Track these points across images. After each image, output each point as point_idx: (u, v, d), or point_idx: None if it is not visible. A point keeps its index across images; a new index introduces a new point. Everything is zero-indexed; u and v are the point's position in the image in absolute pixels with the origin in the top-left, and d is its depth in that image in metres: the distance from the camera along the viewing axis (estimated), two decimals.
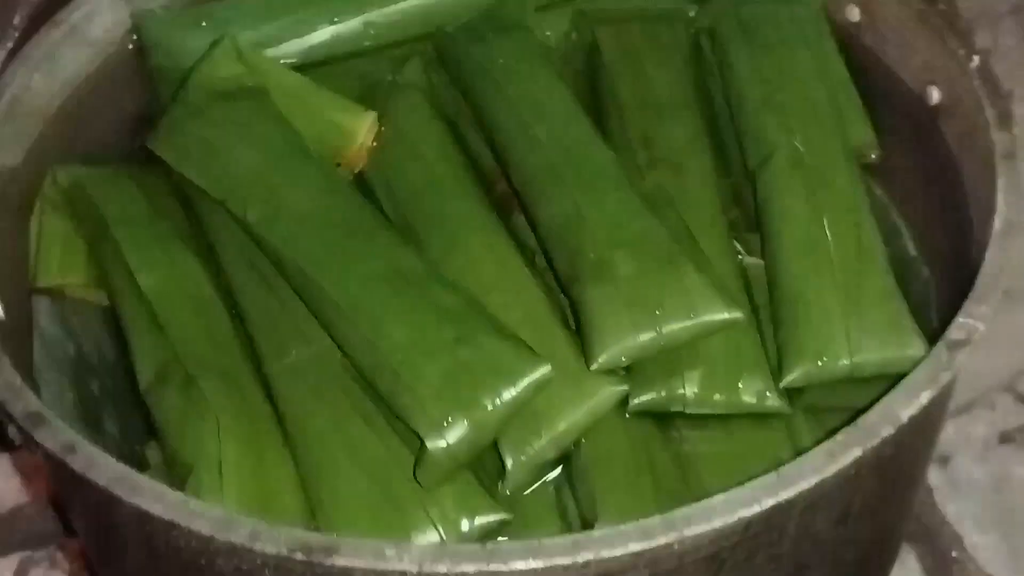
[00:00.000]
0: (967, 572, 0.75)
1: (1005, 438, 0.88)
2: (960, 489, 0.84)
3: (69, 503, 0.64)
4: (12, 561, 0.80)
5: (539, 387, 0.56)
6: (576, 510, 0.58)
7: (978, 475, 0.86)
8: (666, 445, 0.59)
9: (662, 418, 0.59)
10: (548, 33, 0.71)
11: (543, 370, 0.55)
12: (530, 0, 0.70)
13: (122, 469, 0.52)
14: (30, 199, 0.65)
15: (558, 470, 0.59)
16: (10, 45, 0.51)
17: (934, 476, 0.87)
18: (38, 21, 0.65)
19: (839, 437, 0.51)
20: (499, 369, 0.55)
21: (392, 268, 0.58)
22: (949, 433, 0.89)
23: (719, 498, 0.50)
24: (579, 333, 0.59)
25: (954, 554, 0.76)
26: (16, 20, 0.51)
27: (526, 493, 0.58)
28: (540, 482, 0.59)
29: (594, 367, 0.57)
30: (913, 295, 0.62)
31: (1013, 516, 0.82)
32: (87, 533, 0.63)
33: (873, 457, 0.53)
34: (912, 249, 0.66)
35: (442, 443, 0.54)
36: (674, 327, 0.57)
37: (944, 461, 0.87)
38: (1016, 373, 0.89)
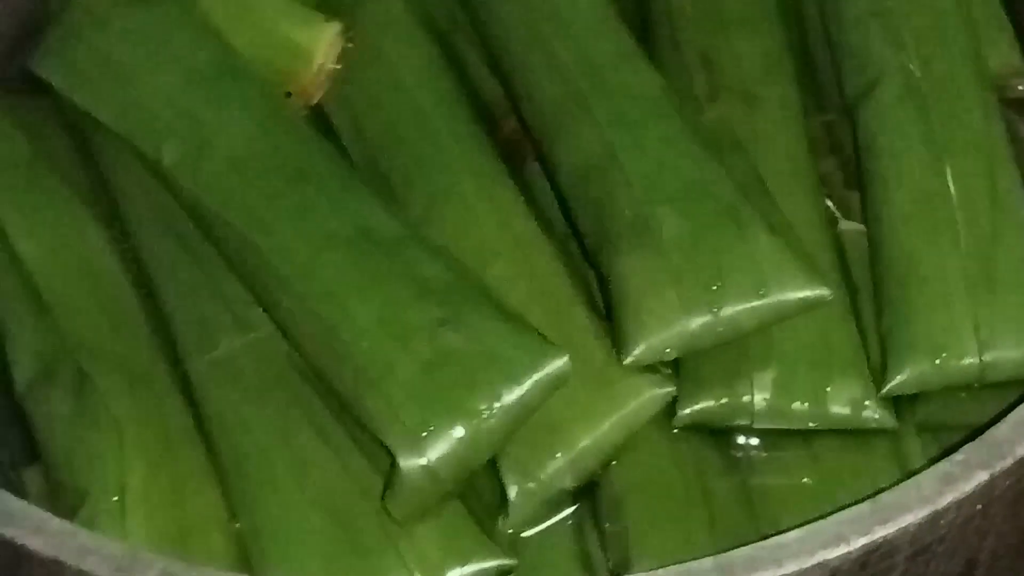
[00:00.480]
0: None
1: None
2: None
3: None
4: None
5: (553, 386, 0.58)
6: (602, 557, 0.61)
7: None
8: (727, 471, 0.61)
9: (722, 435, 0.62)
10: None
11: (558, 363, 0.58)
12: None
13: None
14: None
15: (578, 504, 0.62)
16: None
17: None
18: None
19: (958, 456, 0.54)
20: (497, 361, 0.57)
21: (356, 227, 0.60)
22: None
23: (793, 535, 0.52)
24: (609, 316, 0.61)
25: None
26: None
27: (535, 532, 0.61)
28: (555, 519, 0.61)
29: (629, 361, 0.60)
30: None
31: None
32: None
33: (1005, 485, 0.55)
34: None
35: (420, 461, 0.56)
36: (737, 308, 0.60)
37: None
38: None
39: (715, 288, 0.60)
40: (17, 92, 0.70)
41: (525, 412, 0.58)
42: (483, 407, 0.57)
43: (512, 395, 0.58)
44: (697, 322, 0.60)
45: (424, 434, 0.57)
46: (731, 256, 0.61)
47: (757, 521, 0.60)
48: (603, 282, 0.62)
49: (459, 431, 0.57)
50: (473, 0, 0.70)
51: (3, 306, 0.65)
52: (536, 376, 0.58)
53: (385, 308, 0.59)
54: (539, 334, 0.59)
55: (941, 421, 0.63)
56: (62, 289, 0.64)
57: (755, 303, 0.60)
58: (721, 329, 0.60)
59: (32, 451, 0.63)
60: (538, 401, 0.58)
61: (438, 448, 0.57)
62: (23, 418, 0.63)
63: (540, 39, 0.67)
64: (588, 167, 0.63)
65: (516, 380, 0.58)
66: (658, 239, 0.61)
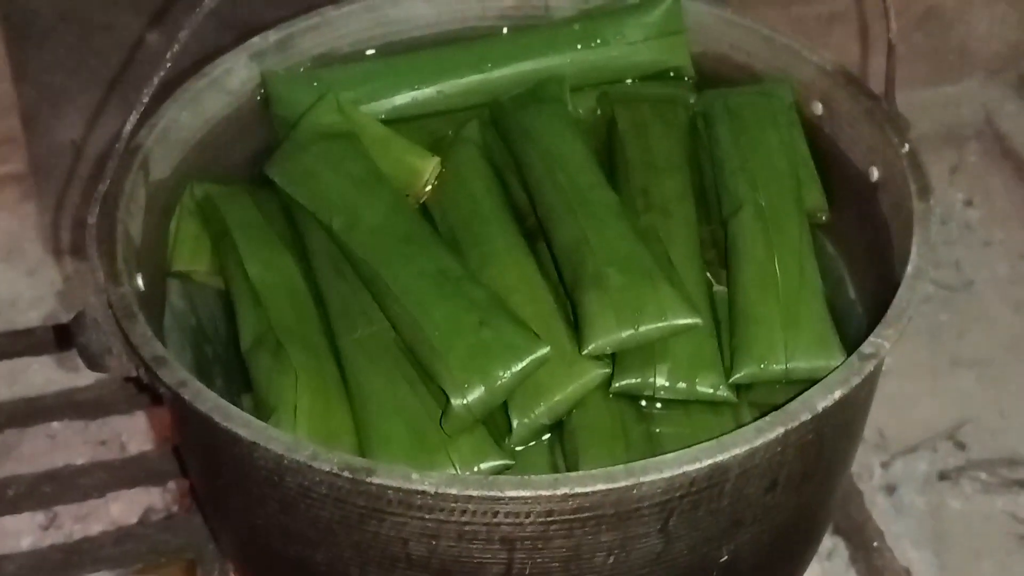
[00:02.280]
0: (886, 560, 0.77)
1: (943, 476, 0.90)
2: (903, 513, 0.86)
3: (181, 434, 0.69)
4: (136, 493, 0.85)
5: (540, 363, 0.59)
6: (563, 464, 0.61)
7: (918, 504, 0.88)
8: (640, 420, 0.61)
9: (638, 399, 0.62)
10: (580, 109, 0.74)
11: (543, 350, 0.59)
12: (566, 82, 0.73)
13: (220, 401, 0.56)
14: (172, 205, 0.69)
15: (552, 433, 0.62)
16: (141, 109, 0.56)
17: (881, 501, 0.90)
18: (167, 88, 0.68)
19: (767, 418, 0.55)
20: (510, 347, 0.58)
21: (437, 268, 0.61)
22: (897, 468, 0.91)
23: (670, 456, 0.53)
24: (576, 327, 0.62)
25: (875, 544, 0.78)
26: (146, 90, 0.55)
27: (527, 447, 0.61)
28: (538, 441, 0.61)
29: (585, 353, 0.60)
30: (850, 328, 0.65)
31: (944, 539, 0.85)
32: (194, 460, 0.68)
33: (796, 438, 0.56)
34: (852, 293, 0.69)
35: (463, 400, 0.58)
36: (649, 327, 0.60)
37: (891, 490, 0.89)
38: (956, 425, 0.92)
39: (637, 315, 0.61)
40: (258, 184, 0.71)
41: (523, 378, 0.59)
42: (500, 373, 0.59)
43: (516, 367, 0.59)
44: (625, 333, 0.60)
45: (466, 386, 0.58)
46: (647, 297, 0.61)
47: (654, 451, 0.60)
48: (574, 308, 0.63)
49: (486, 385, 0.58)
50: (514, 149, 0.70)
51: (238, 302, 0.65)
52: (531, 357, 0.59)
53: (449, 314, 0.60)
54: (534, 333, 0.60)
55: (763, 401, 0.62)
56: (270, 295, 0.64)
57: (659, 324, 0.61)
58: (639, 338, 0.61)
59: (248, 385, 0.63)
60: (531, 372, 0.59)
61: (473, 394, 0.58)
62: (245, 371, 0.64)
63: (550, 172, 0.67)
64: (571, 244, 0.64)
65: (519, 358, 0.59)
66: (607, 285, 0.61)
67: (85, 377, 0.83)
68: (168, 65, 0.54)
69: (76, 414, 0.86)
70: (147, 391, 0.79)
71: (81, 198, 0.99)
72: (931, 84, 1.13)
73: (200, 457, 0.65)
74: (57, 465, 0.83)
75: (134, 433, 0.91)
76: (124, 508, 0.85)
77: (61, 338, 0.87)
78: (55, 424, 0.90)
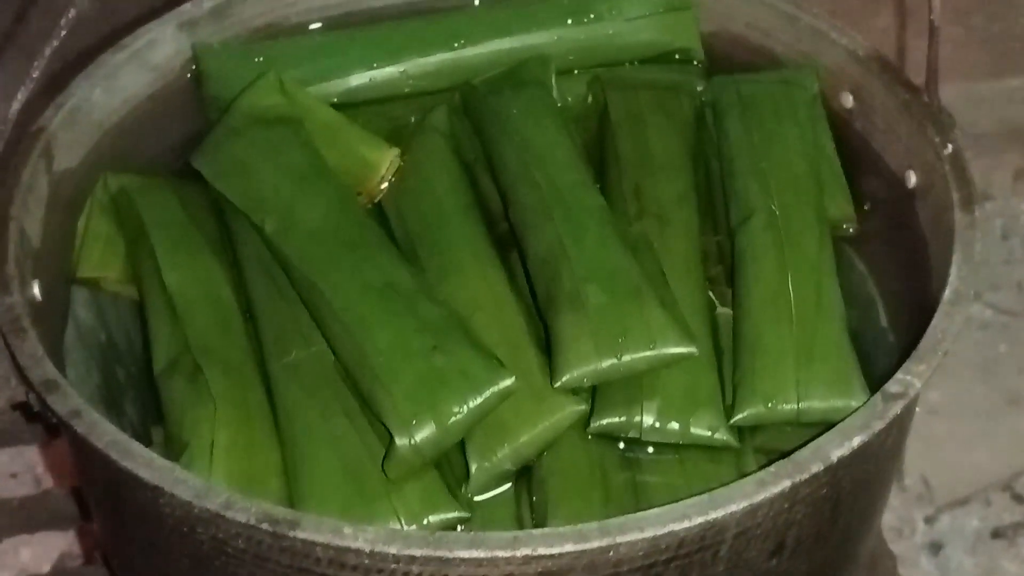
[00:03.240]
0: None
1: (997, 534, 0.88)
2: None
3: (80, 472, 0.68)
4: (38, 537, 0.84)
5: (503, 397, 0.58)
6: (529, 517, 0.60)
7: (968, 566, 0.87)
8: (623, 467, 0.60)
9: (620, 442, 0.61)
10: (567, 96, 0.73)
11: (508, 381, 0.57)
12: (551, 63, 0.72)
13: (119, 435, 0.55)
14: (81, 199, 0.68)
15: (517, 480, 0.61)
16: (32, 83, 0.54)
17: (925, 562, 0.88)
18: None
19: (771, 468, 0.53)
20: (467, 376, 0.57)
21: (385, 281, 0.60)
22: (944, 523, 0.90)
23: (653, 512, 0.52)
24: (549, 354, 0.61)
25: None
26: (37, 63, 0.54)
27: (487, 497, 0.60)
28: (501, 488, 0.60)
29: (557, 385, 0.59)
30: (882, 362, 0.64)
31: None
32: (95, 502, 0.67)
33: (807, 493, 0.55)
34: (884, 319, 0.68)
35: (409, 440, 0.56)
36: (634, 355, 0.59)
37: (936, 549, 0.88)
38: (1014, 474, 0.90)
39: (620, 341, 0.59)
40: (183, 177, 0.70)
41: (483, 413, 0.58)
42: (455, 408, 0.57)
43: (474, 401, 0.57)
44: (606, 363, 0.59)
45: (413, 422, 0.57)
46: (632, 321, 0.60)
47: (639, 505, 0.59)
48: (547, 330, 0.62)
49: (437, 422, 0.57)
50: (487, 140, 0.70)
51: (152, 316, 0.64)
52: (491, 389, 0.58)
53: (397, 336, 0.59)
54: (498, 360, 0.59)
55: (772, 446, 0.61)
56: (190, 308, 0.63)
57: (647, 353, 0.60)
58: (623, 369, 0.60)
59: (159, 414, 0.62)
60: (492, 407, 0.58)
61: (421, 432, 0.57)
62: (156, 392, 0.63)
63: (525, 168, 0.66)
64: (545, 254, 0.63)
65: (478, 391, 0.58)
66: (585, 305, 0.60)
67: None
68: (63, 31, 0.52)
69: None
70: (39, 420, 0.78)
71: None
72: (993, 75, 1.12)
73: (101, 501, 0.64)
74: None
75: (47, 462, 0.90)
76: (35, 554, 0.84)
77: None
78: None
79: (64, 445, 0.85)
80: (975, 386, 0.97)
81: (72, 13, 0.50)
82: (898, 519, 0.87)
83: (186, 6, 0.73)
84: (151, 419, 0.64)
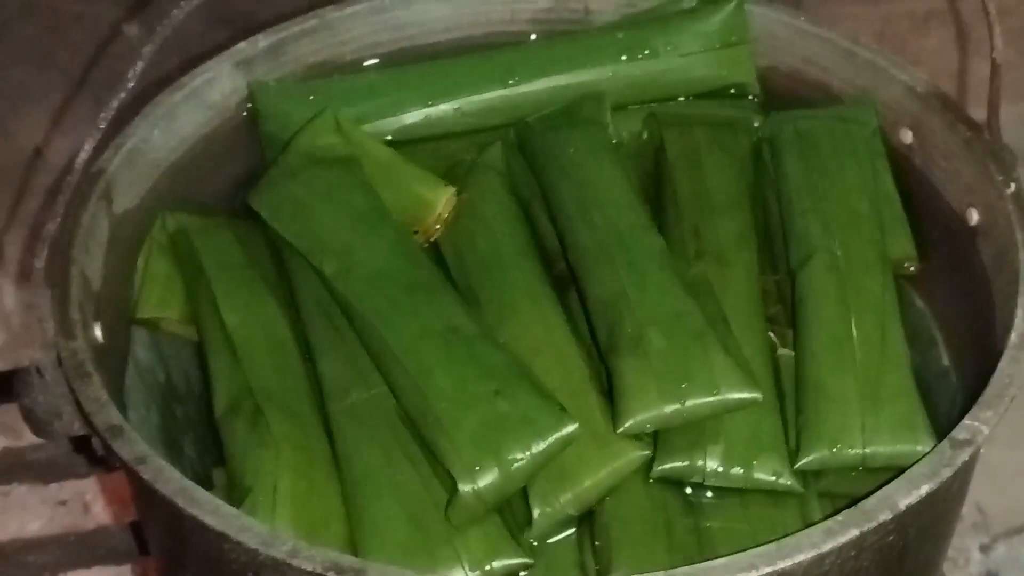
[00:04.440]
0: None
1: None
2: None
3: (142, 514, 0.68)
4: (93, 573, 0.84)
5: (566, 443, 0.57)
6: (592, 564, 0.59)
7: None
8: (686, 512, 0.60)
9: (684, 486, 0.60)
10: (623, 132, 0.73)
11: (571, 427, 0.57)
12: (606, 100, 0.72)
13: (185, 482, 0.55)
14: (140, 239, 0.69)
15: (580, 525, 0.60)
16: (102, 129, 0.55)
17: None
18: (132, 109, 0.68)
19: (839, 517, 0.53)
20: (531, 423, 0.57)
21: (446, 325, 0.60)
22: (1000, 552, 0.89)
23: (720, 561, 0.52)
24: (611, 399, 0.60)
25: None
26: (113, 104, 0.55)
27: (550, 542, 0.60)
28: (563, 535, 0.60)
29: (620, 431, 0.59)
30: (943, 403, 0.64)
31: None
32: (157, 544, 0.67)
33: (874, 541, 0.54)
34: (945, 359, 0.67)
35: (472, 486, 0.56)
36: (697, 401, 0.59)
37: None
38: None
39: (683, 386, 0.59)
40: (240, 216, 0.70)
41: (546, 459, 0.58)
42: (518, 454, 0.57)
43: (537, 447, 0.57)
44: (669, 408, 0.59)
45: (477, 468, 0.57)
46: (696, 366, 0.60)
47: (703, 550, 0.58)
48: (609, 375, 0.61)
49: (500, 468, 0.57)
50: (544, 179, 0.70)
51: (212, 358, 0.65)
52: (555, 435, 0.58)
53: (459, 381, 0.59)
54: (560, 406, 0.58)
55: (836, 490, 0.61)
56: (250, 350, 0.64)
57: (710, 399, 0.59)
58: (686, 415, 0.59)
59: (221, 457, 0.62)
60: (555, 453, 0.58)
61: (485, 479, 0.57)
62: (218, 435, 0.63)
63: (584, 209, 0.66)
64: (607, 298, 0.63)
65: (541, 437, 0.57)
66: (648, 350, 0.60)
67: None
68: (131, 83, 0.53)
69: (28, 476, 0.86)
70: (102, 463, 0.78)
71: (38, 216, 0.98)
72: None
73: (163, 542, 0.64)
74: (7, 534, 0.82)
75: (99, 492, 0.91)
76: None
77: (3, 391, 0.87)
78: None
79: (119, 478, 0.86)
80: None
81: (140, 66, 0.51)
82: (953, 549, 0.87)
83: (241, 45, 0.74)
84: (210, 460, 0.64)
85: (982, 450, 0.61)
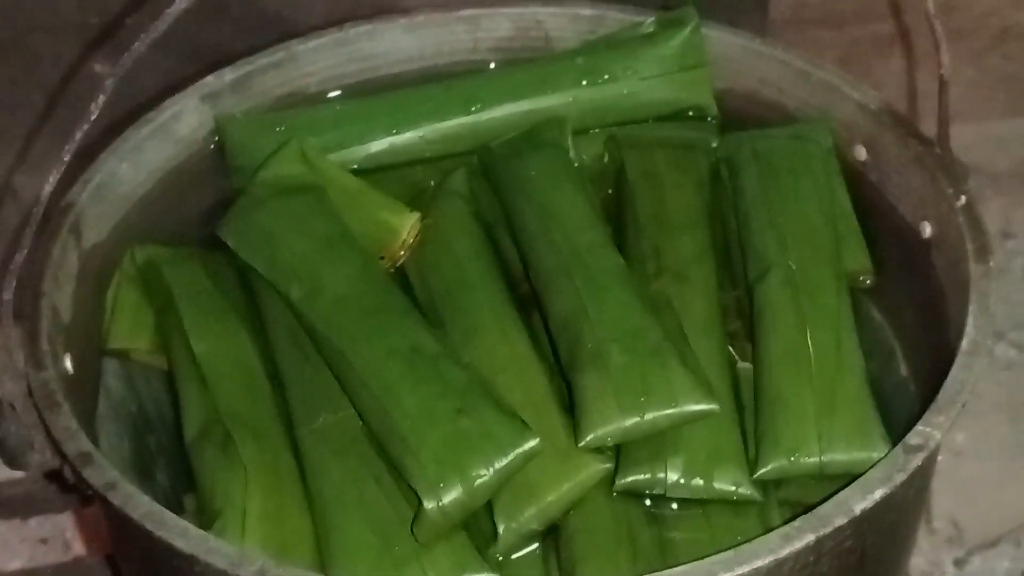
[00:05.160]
0: None
1: None
2: None
3: (115, 542, 0.69)
4: None
5: (528, 458, 0.58)
6: None
7: None
8: (649, 524, 0.60)
9: (646, 499, 0.61)
10: (584, 155, 0.74)
11: (533, 442, 0.58)
12: (567, 124, 0.73)
13: (154, 506, 0.56)
14: (109, 272, 0.69)
15: (545, 539, 0.61)
16: (64, 165, 0.56)
17: None
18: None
19: (796, 523, 0.54)
20: (493, 438, 0.58)
21: (410, 346, 0.61)
22: (975, 566, 0.90)
23: (679, 568, 0.53)
24: (572, 413, 0.61)
25: None
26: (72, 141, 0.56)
27: (515, 557, 0.60)
28: (528, 549, 0.61)
29: (582, 445, 0.60)
30: (903, 411, 0.64)
31: None
32: (130, 571, 0.68)
33: (831, 547, 0.55)
34: (904, 369, 0.68)
35: (437, 503, 0.57)
36: (657, 414, 0.60)
37: None
38: None
39: (643, 399, 0.60)
40: (209, 247, 0.71)
41: (509, 475, 0.58)
42: (481, 470, 0.58)
43: (500, 463, 0.58)
44: (630, 422, 0.60)
45: (441, 485, 0.58)
46: (655, 379, 0.61)
47: (666, 561, 0.59)
48: (571, 390, 0.62)
49: (464, 484, 0.58)
50: (506, 202, 0.71)
51: (181, 386, 0.65)
52: (517, 451, 0.58)
53: (422, 400, 0.60)
54: (522, 422, 0.59)
55: (796, 499, 0.62)
56: (219, 376, 0.64)
57: (669, 411, 0.60)
58: (646, 427, 0.60)
59: (192, 484, 0.63)
60: (518, 468, 0.59)
61: (449, 495, 0.58)
62: (187, 460, 0.64)
63: (545, 230, 0.67)
64: (567, 315, 0.64)
65: (503, 452, 0.58)
66: (607, 365, 0.61)
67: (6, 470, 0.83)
68: (94, 114, 0.54)
69: (5, 512, 0.86)
70: (74, 491, 0.79)
71: (7, 252, 0.98)
72: (1010, 115, 1.13)
73: (136, 569, 0.64)
74: None
75: (79, 528, 0.91)
76: None
77: None
78: None
79: (95, 512, 0.87)
80: (1002, 426, 0.96)
81: (101, 99, 0.52)
82: (928, 562, 0.87)
83: (208, 78, 0.75)
84: (182, 487, 0.65)
85: (957, 464, 0.62)
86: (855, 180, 0.72)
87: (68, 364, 0.64)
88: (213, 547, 0.55)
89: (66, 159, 0.54)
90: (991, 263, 0.64)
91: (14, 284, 0.60)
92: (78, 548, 0.90)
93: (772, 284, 0.66)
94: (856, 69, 0.92)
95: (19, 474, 0.86)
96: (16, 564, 0.87)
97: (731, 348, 0.66)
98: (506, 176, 0.71)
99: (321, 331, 0.63)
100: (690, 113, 0.76)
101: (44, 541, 0.90)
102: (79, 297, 0.67)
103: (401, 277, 0.69)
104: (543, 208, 0.68)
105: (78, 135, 0.53)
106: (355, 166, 0.74)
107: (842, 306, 0.65)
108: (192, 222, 0.73)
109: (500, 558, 0.60)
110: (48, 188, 0.55)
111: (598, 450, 0.61)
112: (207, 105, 0.75)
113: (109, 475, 0.58)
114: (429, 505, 0.57)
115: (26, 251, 0.59)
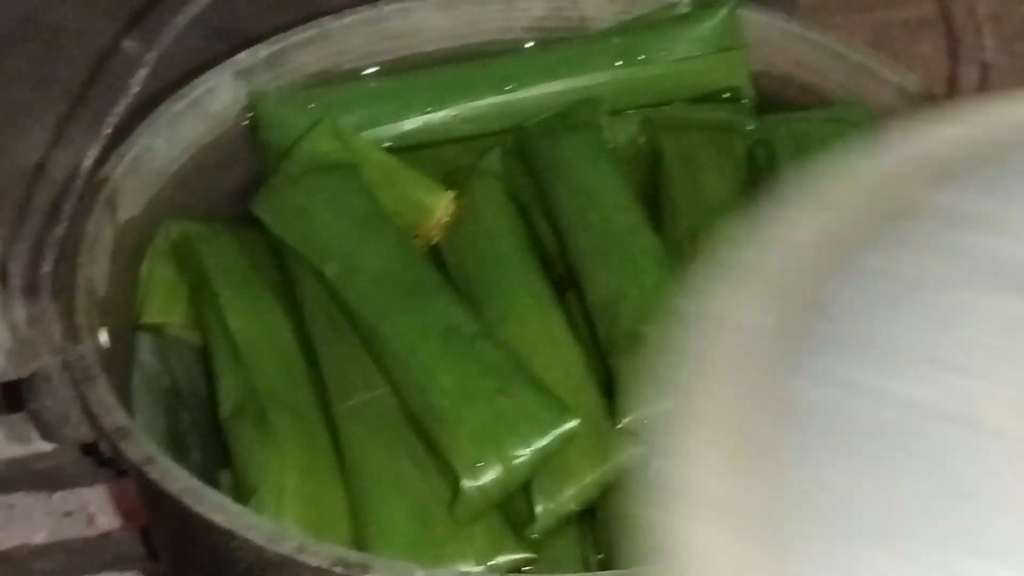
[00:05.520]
0: None
1: None
2: None
3: (150, 516, 0.69)
4: None
5: (567, 439, 0.58)
6: (594, 558, 0.60)
7: None
8: None
9: None
10: (619, 136, 0.74)
11: (572, 423, 0.58)
12: (602, 104, 0.73)
13: (192, 481, 0.56)
14: (143, 247, 0.69)
15: (581, 519, 0.61)
16: (105, 138, 0.56)
17: None
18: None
19: None
20: (531, 419, 0.58)
21: (447, 325, 0.61)
22: None
23: None
24: (611, 395, 0.61)
25: None
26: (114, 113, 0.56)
27: (552, 537, 0.60)
28: (566, 528, 0.61)
29: (620, 426, 0.60)
30: None
31: None
32: (165, 546, 0.68)
33: None
34: None
35: (475, 482, 0.57)
36: None
37: None
38: None
39: None
40: (243, 223, 0.71)
41: (547, 455, 0.59)
42: (520, 450, 0.58)
43: (538, 443, 0.58)
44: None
45: (479, 465, 0.58)
46: None
47: None
48: (609, 372, 0.62)
49: (503, 464, 0.58)
50: (541, 183, 0.71)
51: (217, 362, 0.65)
52: (556, 431, 0.59)
53: (460, 379, 0.60)
54: (561, 402, 0.59)
55: None
56: (255, 353, 0.64)
57: None
58: None
59: (227, 459, 0.63)
60: (556, 448, 0.59)
61: (487, 475, 0.58)
62: (223, 437, 0.64)
63: (581, 212, 0.67)
64: (605, 297, 0.64)
65: (542, 432, 0.58)
66: (645, 347, 0.61)
67: (40, 443, 0.83)
68: (135, 89, 0.54)
69: (32, 486, 0.86)
70: (109, 465, 0.79)
71: (40, 232, 0.99)
72: None
73: (171, 543, 0.65)
74: (11, 543, 0.83)
75: (104, 503, 0.92)
76: None
77: (12, 399, 0.88)
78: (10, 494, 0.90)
79: (127, 486, 0.87)
80: None
81: (142, 72, 0.52)
82: None
83: (242, 55, 0.75)
84: (216, 462, 0.65)
85: None
86: None
87: (103, 338, 0.64)
88: (252, 523, 0.55)
89: (107, 132, 0.54)
90: None
91: (54, 258, 0.59)
92: (102, 522, 0.90)
93: None
94: (886, 54, 0.91)
95: (46, 448, 0.86)
96: (40, 537, 0.87)
97: None
98: (541, 156, 0.71)
99: (356, 309, 0.64)
100: (726, 95, 0.76)
101: (68, 514, 0.90)
102: (114, 271, 0.67)
103: (435, 256, 0.69)
104: (580, 189, 0.68)
105: (119, 108, 0.53)
106: (389, 144, 0.74)
107: None
108: (226, 198, 0.73)
109: (537, 537, 0.60)
110: (87, 163, 0.55)
111: (636, 432, 0.60)
112: (241, 81, 0.75)
113: (146, 449, 0.58)
114: (467, 484, 0.57)
115: (64, 224, 0.59)
